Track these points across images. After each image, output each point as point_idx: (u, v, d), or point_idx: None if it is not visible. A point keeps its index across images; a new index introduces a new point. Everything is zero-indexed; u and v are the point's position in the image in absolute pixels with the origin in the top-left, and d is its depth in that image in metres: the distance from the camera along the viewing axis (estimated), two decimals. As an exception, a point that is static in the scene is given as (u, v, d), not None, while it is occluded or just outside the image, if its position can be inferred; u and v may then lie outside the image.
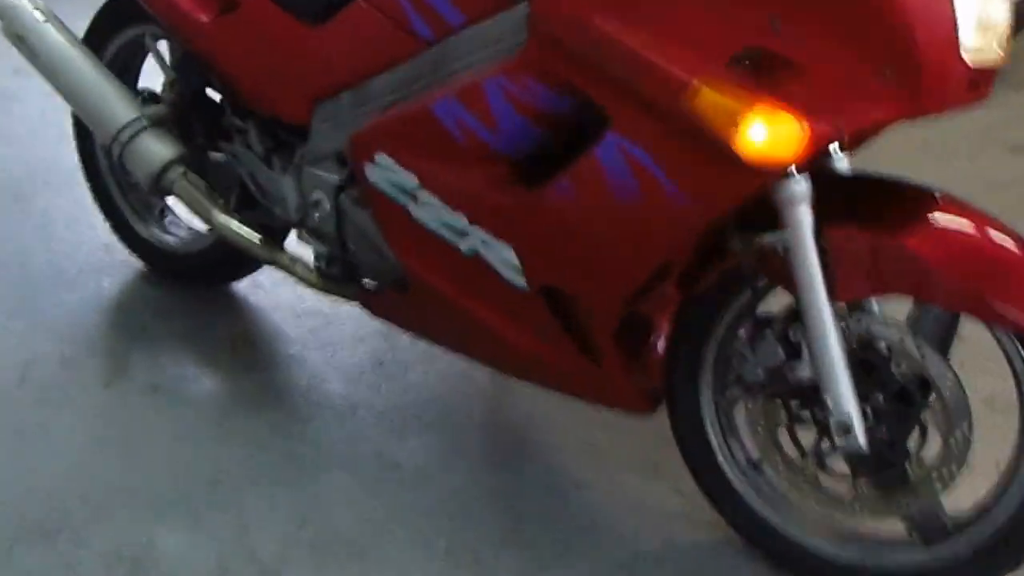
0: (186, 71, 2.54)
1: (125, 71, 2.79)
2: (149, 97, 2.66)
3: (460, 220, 2.04)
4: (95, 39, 2.76)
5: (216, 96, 2.56)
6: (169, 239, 2.93)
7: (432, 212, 2.07)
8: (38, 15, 2.64)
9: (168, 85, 2.60)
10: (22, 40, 2.62)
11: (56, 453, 2.33)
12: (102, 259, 3.05)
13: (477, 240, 2.03)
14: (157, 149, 2.52)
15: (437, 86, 2.01)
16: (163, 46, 2.69)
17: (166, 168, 2.51)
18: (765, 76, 1.67)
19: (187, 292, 2.92)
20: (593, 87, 1.80)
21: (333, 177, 2.26)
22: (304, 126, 2.29)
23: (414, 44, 2.06)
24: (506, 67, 1.90)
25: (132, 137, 2.52)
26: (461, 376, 2.60)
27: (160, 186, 2.55)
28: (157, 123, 2.55)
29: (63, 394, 2.51)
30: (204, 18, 2.39)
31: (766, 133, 1.64)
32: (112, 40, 2.77)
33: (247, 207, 2.53)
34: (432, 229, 2.08)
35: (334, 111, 2.22)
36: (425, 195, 2.07)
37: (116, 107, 2.55)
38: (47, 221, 3.24)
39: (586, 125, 1.89)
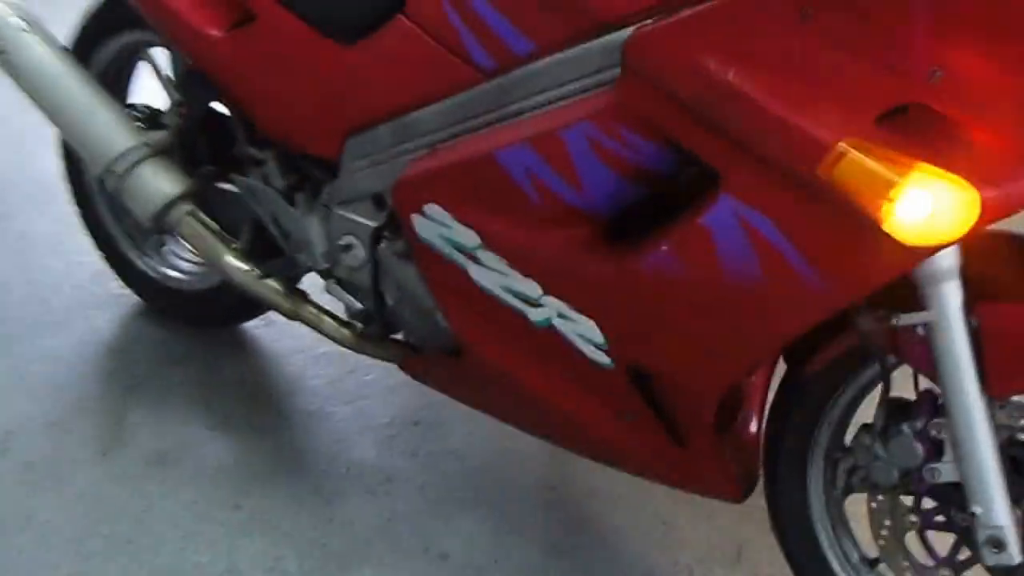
0: (192, 89, 2.20)
1: (117, 85, 2.46)
2: (148, 115, 2.32)
3: (532, 288, 1.72)
4: (83, 48, 2.42)
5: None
6: (170, 273, 2.60)
7: (496, 277, 1.75)
8: (19, 23, 2.27)
9: (173, 106, 2.26)
10: (2, 53, 2.26)
11: (42, 548, 2.03)
12: (93, 292, 2.70)
13: (552, 312, 1.72)
14: (159, 183, 2.17)
15: (500, 128, 1.68)
16: (162, 56, 2.36)
17: (170, 206, 2.17)
18: (923, 138, 1.36)
19: (191, 334, 2.60)
20: (702, 142, 1.48)
21: (369, 222, 1.94)
22: (334, 160, 1.96)
23: (469, 73, 1.72)
24: (592, 111, 1.56)
25: (130, 169, 2.17)
26: (510, 438, 2.26)
27: (162, 225, 2.21)
28: (159, 151, 2.20)
29: (50, 470, 2.20)
30: (214, 32, 2.03)
31: (927, 207, 1.33)
32: (102, 49, 2.43)
33: (261, 249, 2.20)
34: (495, 296, 1.77)
35: (370, 146, 1.89)
36: (488, 257, 1.75)
37: (111, 132, 2.19)
38: (27, 245, 2.88)
39: (683, 176, 1.59)
